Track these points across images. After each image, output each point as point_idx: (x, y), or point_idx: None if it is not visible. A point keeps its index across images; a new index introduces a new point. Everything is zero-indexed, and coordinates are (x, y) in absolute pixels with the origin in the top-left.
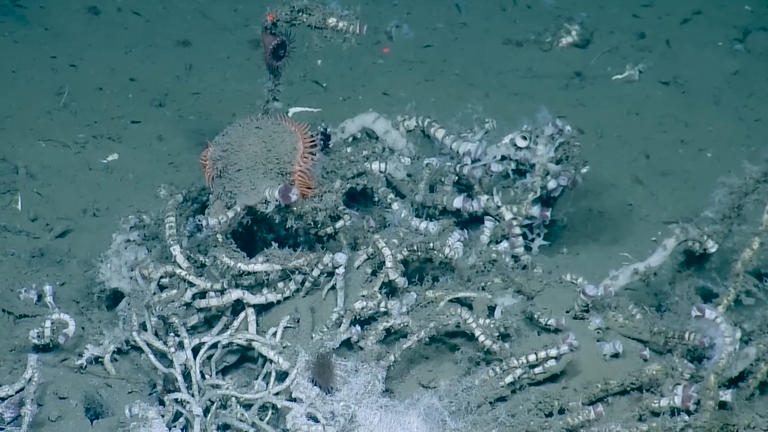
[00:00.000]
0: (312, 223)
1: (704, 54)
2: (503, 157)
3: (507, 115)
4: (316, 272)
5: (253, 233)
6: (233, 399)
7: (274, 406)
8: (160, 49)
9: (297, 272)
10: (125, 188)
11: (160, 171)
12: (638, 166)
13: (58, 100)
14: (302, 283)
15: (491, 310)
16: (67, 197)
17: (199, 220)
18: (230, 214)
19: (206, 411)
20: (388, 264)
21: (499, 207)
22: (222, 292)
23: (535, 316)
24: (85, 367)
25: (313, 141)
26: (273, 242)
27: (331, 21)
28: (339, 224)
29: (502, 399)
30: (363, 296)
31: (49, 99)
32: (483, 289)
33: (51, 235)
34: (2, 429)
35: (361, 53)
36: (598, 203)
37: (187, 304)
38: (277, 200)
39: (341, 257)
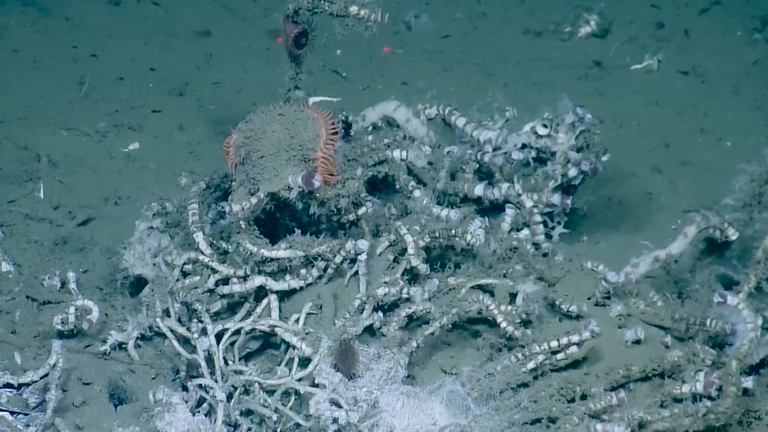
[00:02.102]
0: (335, 209)
1: (723, 44)
2: (524, 145)
3: (526, 104)
4: (338, 259)
5: (275, 220)
6: (256, 385)
7: (296, 392)
8: (180, 39)
9: (320, 259)
10: (146, 177)
11: (181, 160)
12: (657, 156)
13: (79, 90)
14: (325, 270)
15: (513, 296)
16: (89, 186)
17: (222, 207)
18: (253, 200)
19: (229, 396)
20: (410, 250)
21: (519, 195)
22: (245, 278)
23: (557, 302)
24: (109, 353)
25: (335, 128)
26: (296, 229)
27: (353, 9)
28: (361, 211)
29: (524, 385)
30: (385, 283)
31: (70, 88)
32: (504, 276)
33: (73, 223)
34: (27, 414)
35: (381, 43)
36: (617, 192)
37: (210, 291)
38: (300, 186)
39: (363, 244)
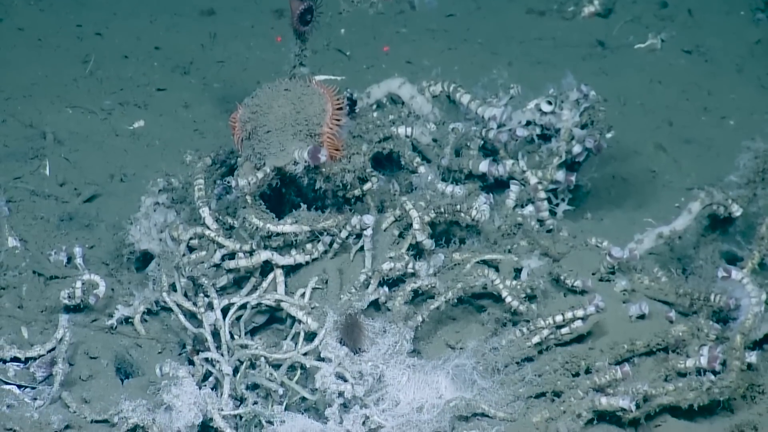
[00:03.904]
0: (340, 184)
1: (726, 23)
2: (528, 122)
3: (530, 83)
4: (344, 234)
5: (281, 195)
6: (262, 359)
7: (302, 366)
8: (185, 18)
9: (325, 233)
10: (152, 154)
11: (186, 138)
12: (661, 134)
13: (84, 68)
14: (330, 245)
15: (518, 272)
16: (95, 163)
17: (228, 182)
18: (259, 175)
19: (235, 370)
20: (416, 226)
21: (524, 171)
22: (251, 253)
23: (562, 277)
24: (116, 327)
25: (341, 103)
26: (301, 204)
27: None
28: (366, 186)
29: (529, 359)
30: (391, 258)
31: (75, 67)
32: (509, 251)
33: (79, 200)
34: (34, 388)
35: (385, 22)
36: (621, 170)
37: (217, 265)
38: (306, 161)
39: (369, 219)
